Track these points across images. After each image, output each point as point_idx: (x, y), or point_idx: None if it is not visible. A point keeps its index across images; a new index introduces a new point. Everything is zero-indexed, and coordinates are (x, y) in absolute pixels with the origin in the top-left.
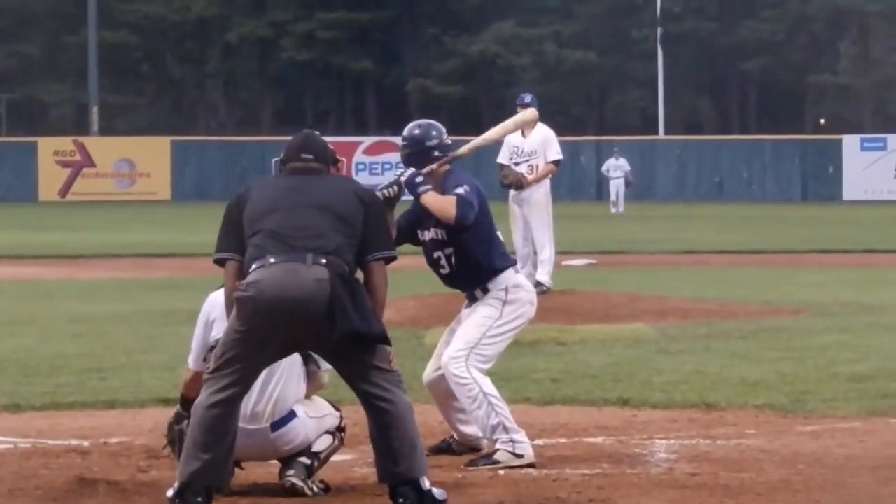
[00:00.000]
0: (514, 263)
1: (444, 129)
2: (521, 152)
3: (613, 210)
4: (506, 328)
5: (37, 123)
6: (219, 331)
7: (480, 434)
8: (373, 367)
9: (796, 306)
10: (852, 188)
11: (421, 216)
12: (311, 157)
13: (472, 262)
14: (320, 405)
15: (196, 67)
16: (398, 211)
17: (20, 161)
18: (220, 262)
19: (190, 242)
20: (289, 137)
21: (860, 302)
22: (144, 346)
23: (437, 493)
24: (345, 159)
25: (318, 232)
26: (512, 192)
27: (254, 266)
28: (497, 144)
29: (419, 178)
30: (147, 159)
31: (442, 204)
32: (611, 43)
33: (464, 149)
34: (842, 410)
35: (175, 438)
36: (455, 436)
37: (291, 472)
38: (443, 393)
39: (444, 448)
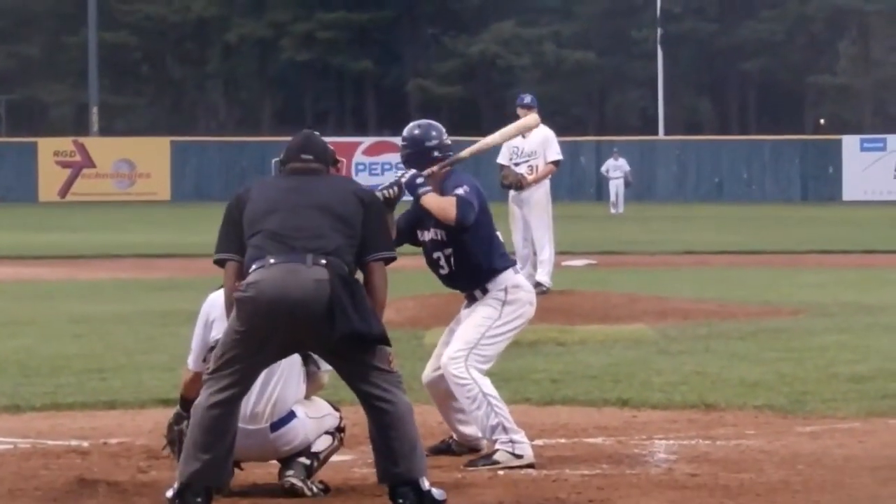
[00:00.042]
0: (513, 264)
1: (443, 130)
2: (521, 153)
3: (613, 210)
4: (505, 328)
5: (37, 124)
6: (218, 331)
7: (480, 434)
8: (373, 367)
9: (796, 307)
10: (852, 188)
11: (420, 217)
12: (310, 157)
13: (472, 262)
14: (320, 406)
15: (196, 68)
16: (398, 212)
17: (20, 161)
18: (220, 263)
19: (190, 243)
20: (288, 138)
21: (860, 302)
22: (144, 347)
23: (437, 493)
24: (344, 160)
25: (317, 232)
26: (512, 193)
27: (254, 266)
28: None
29: (419, 180)
30: (147, 160)
31: (442, 205)
32: (611, 43)
33: (465, 152)
34: (841, 411)
35: (175, 439)
36: (454, 436)
37: (291, 472)
38: (442, 393)
39: (444, 448)
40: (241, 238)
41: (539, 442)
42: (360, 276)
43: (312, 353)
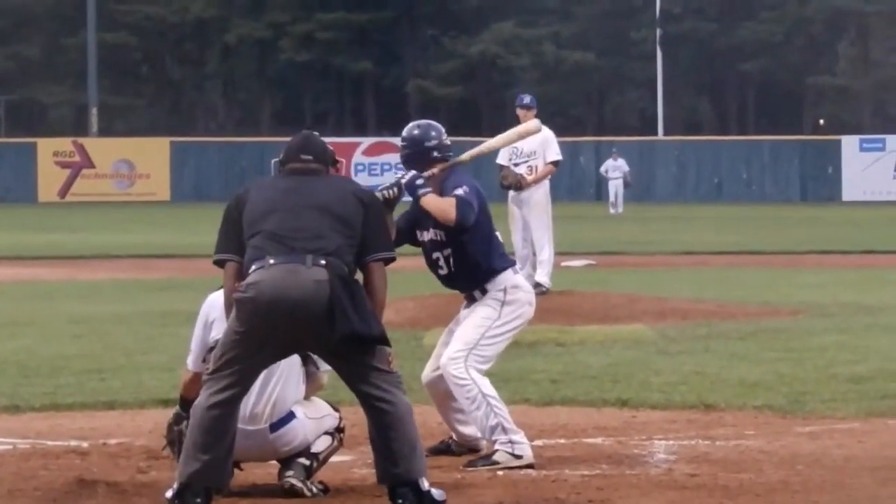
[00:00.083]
0: (512, 264)
1: (443, 130)
2: (521, 153)
3: (612, 211)
4: (504, 329)
5: (36, 124)
6: (218, 332)
7: (479, 435)
8: (372, 368)
9: (795, 307)
10: (851, 189)
11: (420, 217)
12: (310, 157)
13: (471, 262)
14: (319, 406)
15: (195, 68)
16: (397, 212)
17: (19, 162)
18: (220, 263)
19: (189, 243)
20: (288, 138)
21: (859, 303)
22: (144, 347)
23: (436, 493)
24: (344, 160)
25: (317, 233)
26: (511, 193)
27: (253, 267)
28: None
29: (419, 181)
30: (146, 160)
31: (442, 206)
32: (610, 44)
33: (465, 155)
34: (840, 411)
35: (174, 439)
36: (454, 436)
37: (290, 472)
38: (442, 393)
39: (444, 449)
40: (241, 238)
41: (538, 442)
42: (359, 276)
43: (312, 354)
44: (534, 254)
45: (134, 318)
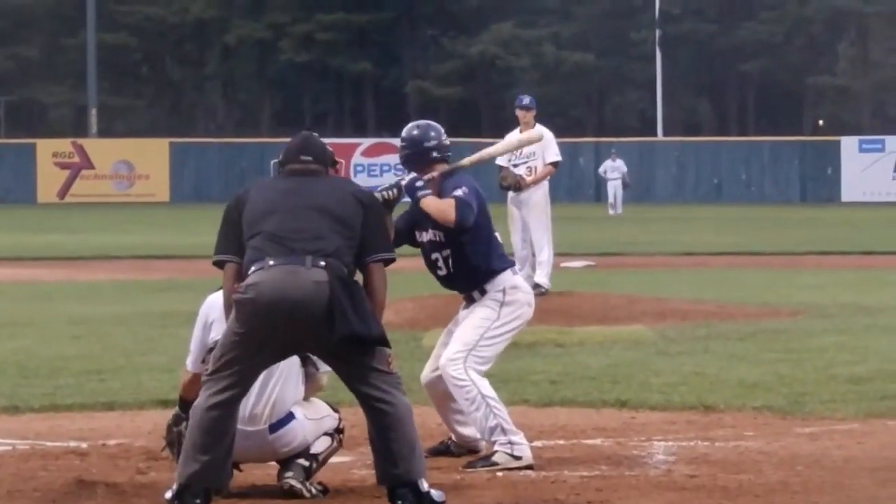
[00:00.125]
0: (512, 265)
1: (442, 130)
2: (520, 154)
3: (612, 212)
4: (504, 329)
5: (35, 125)
6: (217, 332)
7: (479, 436)
8: (372, 368)
9: (795, 308)
10: (851, 190)
11: (419, 218)
12: (309, 158)
13: (470, 263)
14: (319, 407)
15: (195, 69)
16: (396, 213)
17: (19, 163)
18: (219, 264)
19: (189, 244)
20: (287, 139)
21: (859, 303)
22: (143, 348)
23: (436, 494)
24: (343, 161)
25: (316, 234)
26: (511, 194)
27: (253, 268)
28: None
29: (419, 183)
30: (146, 161)
31: (441, 207)
32: (609, 44)
33: (466, 160)
34: (840, 412)
35: (174, 440)
36: (453, 437)
37: (290, 473)
38: (441, 394)
39: (443, 450)
40: (241, 239)
41: (538, 443)
42: (359, 277)
43: (311, 355)
44: (533, 255)
45: (133, 318)
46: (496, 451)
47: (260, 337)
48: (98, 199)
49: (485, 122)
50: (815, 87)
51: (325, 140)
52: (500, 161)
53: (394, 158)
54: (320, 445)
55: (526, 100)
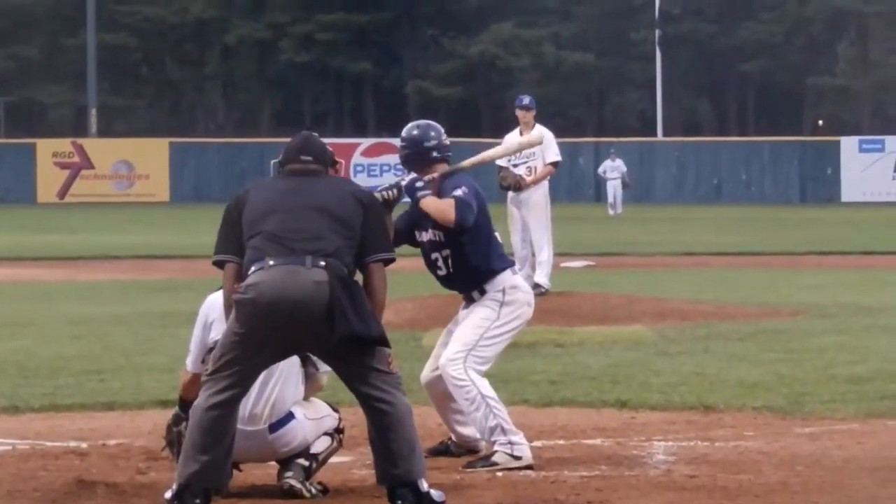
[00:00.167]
0: (511, 264)
1: (442, 130)
2: (520, 154)
3: (612, 212)
4: (503, 329)
5: (35, 125)
6: (217, 332)
7: (478, 436)
8: (372, 369)
9: (795, 308)
10: (851, 190)
11: (419, 218)
12: (309, 158)
13: (470, 263)
14: (319, 407)
15: (195, 69)
16: (396, 213)
17: (19, 163)
18: (219, 264)
19: (188, 244)
20: (287, 139)
21: (858, 303)
22: (143, 348)
23: (436, 494)
24: (343, 161)
25: (316, 234)
26: (510, 194)
27: (253, 268)
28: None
29: (419, 183)
30: (146, 161)
31: (441, 207)
32: (609, 44)
33: (466, 162)
34: (840, 412)
35: (174, 440)
36: (453, 437)
37: (290, 473)
38: (441, 394)
39: (443, 450)
40: (241, 239)
41: (538, 443)
42: (359, 277)
43: (311, 355)
44: (533, 255)
45: (133, 318)
46: (496, 451)
47: (260, 337)
48: (98, 199)
49: (485, 122)
50: (815, 87)
51: (325, 140)
52: (500, 161)
53: (394, 158)
54: (320, 445)
55: (526, 100)
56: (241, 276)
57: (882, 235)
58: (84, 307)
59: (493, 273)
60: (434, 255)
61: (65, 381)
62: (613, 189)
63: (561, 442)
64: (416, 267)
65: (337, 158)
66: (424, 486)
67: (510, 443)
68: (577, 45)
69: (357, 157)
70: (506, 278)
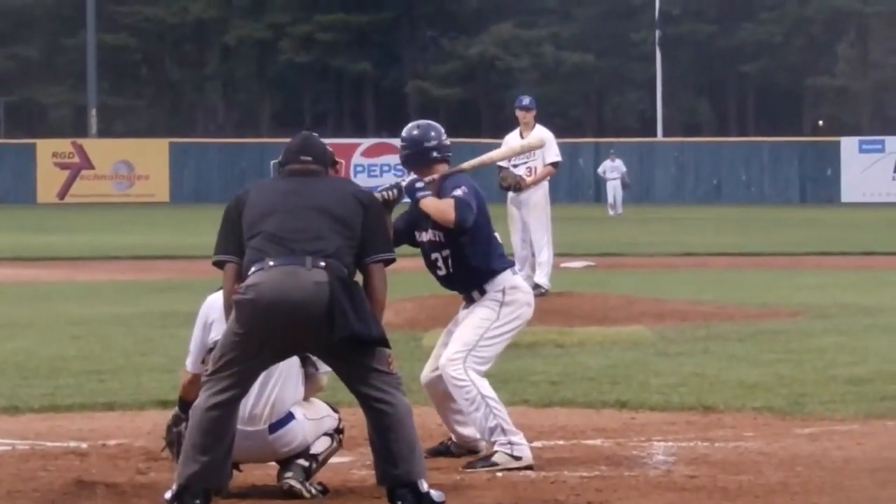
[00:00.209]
0: (511, 265)
1: (442, 130)
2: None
3: (611, 212)
4: (503, 330)
5: (35, 125)
6: (217, 333)
7: (478, 436)
8: (372, 369)
9: (794, 308)
10: (851, 190)
11: (419, 218)
12: (309, 159)
13: (470, 263)
14: (318, 407)
15: (194, 69)
16: (396, 213)
17: (19, 163)
18: (219, 264)
19: (188, 244)
20: (287, 139)
21: (858, 304)
22: (143, 349)
23: (436, 495)
24: (343, 161)
25: (317, 234)
26: (510, 195)
27: (253, 269)
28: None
29: (419, 184)
30: (145, 161)
31: (441, 207)
32: (609, 45)
33: (466, 164)
34: (840, 413)
35: (173, 440)
36: (453, 438)
37: (289, 474)
38: (441, 394)
39: (443, 450)
40: (240, 240)
41: (537, 444)
42: (359, 277)
43: (311, 355)
44: (533, 255)
45: (133, 319)
46: (496, 452)
47: (260, 337)
48: (98, 199)
49: (484, 122)
50: (814, 87)
51: (325, 140)
52: (500, 161)
53: (394, 159)
54: (320, 446)
55: (526, 100)
56: (241, 276)
57: (882, 236)
58: (84, 307)
59: (493, 273)
60: (434, 256)
61: (64, 381)
62: (613, 189)
63: (561, 442)
64: (416, 267)
65: (337, 159)
66: (424, 486)
67: (510, 443)
68: (577, 45)
69: (357, 158)
70: (506, 278)
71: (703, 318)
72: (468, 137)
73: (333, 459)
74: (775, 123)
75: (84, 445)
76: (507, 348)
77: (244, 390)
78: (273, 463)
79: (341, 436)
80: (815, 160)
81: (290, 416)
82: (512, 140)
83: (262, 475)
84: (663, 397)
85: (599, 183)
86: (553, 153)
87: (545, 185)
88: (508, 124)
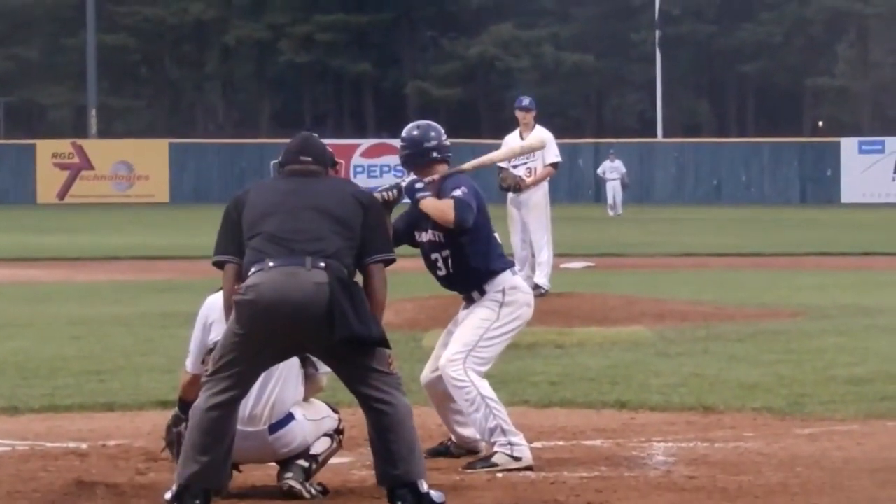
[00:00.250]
0: (511, 265)
1: (442, 130)
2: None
3: (611, 213)
4: (503, 330)
5: (35, 126)
6: (217, 333)
7: (478, 436)
8: (372, 369)
9: (794, 309)
10: (850, 191)
11: (418, 218)
12: (309, 159)
13: (470, 264)
14: (318, 407)
15: (194, 70)
16: (395, 213)
17: (18, 163)
18: (219, 265)
19: (188, 245)
20: (287, 140)
21: (858, 304)
22: (143, 349)
23: (435, 495)
24: (343, 161)
25: (317, 235)
26: (510, 195)
27: (253, 269)
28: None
29: (419, 184)
30: (145, 162)
31: (441, 207)
32: (609, 45)
33: (467, 165)
34: (840, 413)
35: (173, 441)
36: (453, 438)
37: (289, 474)
38: (440, 394)
39: (443, 450)
40: (240, 240)
41: (537, 444)
42: (359, 278)
43: (311, 356)
44: (533, 255)
45: (133, 319)
46: (496, 452)
47: (260, 338)
48: (98, 199)
49: (484, 123)
50: (814, 87)
51: (325, 141)
52: (500, 162)
53: (394, 159)
54: (320, 446)
55: (525, 101)
56: (241, 276)
57: (882, 237)
58: (83, 308)
59: (492, 274)
60: (434, 256)
61: (64, 381)
62: (613, 190)
63: (560, 443)
64: (416, 267)
65: (337, 159)
66: (424, 486)
67: (510, 444)
68: (577, 45)
69: (357, 158)
70: (505, 279)
71: (702, 319)
72: (468, 138)
73: (333, 460)
74: (775, 124)
75: (84, 446)
76: (507, 349)
77: (244, 391)
78: (273, 463)
79: (341, 436)
80: (815, 161)
81: (290, 417)
82: (512, 140)
83: (262, 476)
84: (663, 398)
85: (599, 183)
86: (553, 154)
87: (545, 185)
88: (508, 125)
